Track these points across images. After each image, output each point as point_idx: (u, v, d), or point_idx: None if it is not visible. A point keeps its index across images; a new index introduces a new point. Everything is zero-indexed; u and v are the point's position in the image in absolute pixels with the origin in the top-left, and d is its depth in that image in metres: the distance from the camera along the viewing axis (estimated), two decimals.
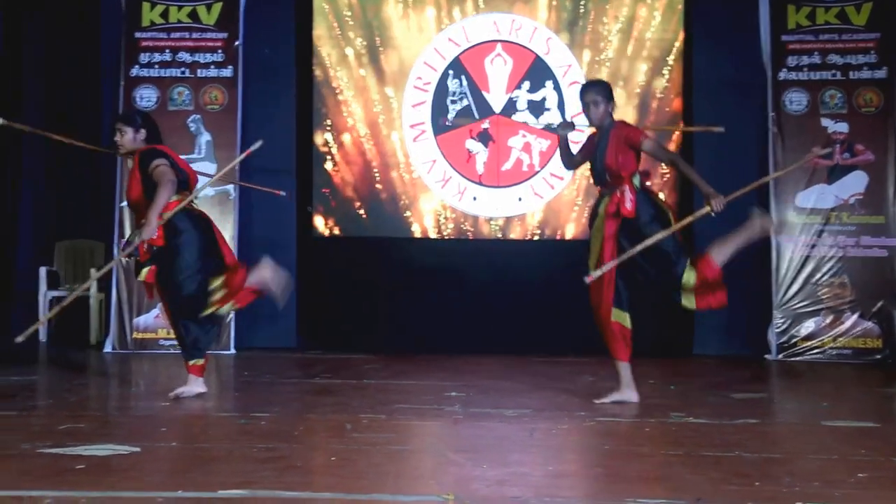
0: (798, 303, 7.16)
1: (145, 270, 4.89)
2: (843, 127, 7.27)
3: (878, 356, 7.11)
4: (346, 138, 7.84)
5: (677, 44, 7.80)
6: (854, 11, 7.41)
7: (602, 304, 5.06)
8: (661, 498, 3.32)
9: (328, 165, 7.81)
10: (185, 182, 5.05)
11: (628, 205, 4.89)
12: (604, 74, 7.78)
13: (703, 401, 5.38)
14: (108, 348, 7.16)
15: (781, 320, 7.19)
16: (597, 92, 5.01)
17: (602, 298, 5.05)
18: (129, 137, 5.02)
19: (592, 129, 5.11)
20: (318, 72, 7.84)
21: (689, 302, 4.96)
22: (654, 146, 5.00)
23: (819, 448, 4.14)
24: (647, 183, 5.29)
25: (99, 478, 3.46)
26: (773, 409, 5.54)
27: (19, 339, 4.92)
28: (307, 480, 3.53)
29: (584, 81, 5.34)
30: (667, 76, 7.80)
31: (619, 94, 7.74)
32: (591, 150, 5.05)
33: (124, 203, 7.24)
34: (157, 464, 3.73)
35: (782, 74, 7.45)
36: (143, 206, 4.88)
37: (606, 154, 4.94)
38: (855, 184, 7.25)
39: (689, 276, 4.89)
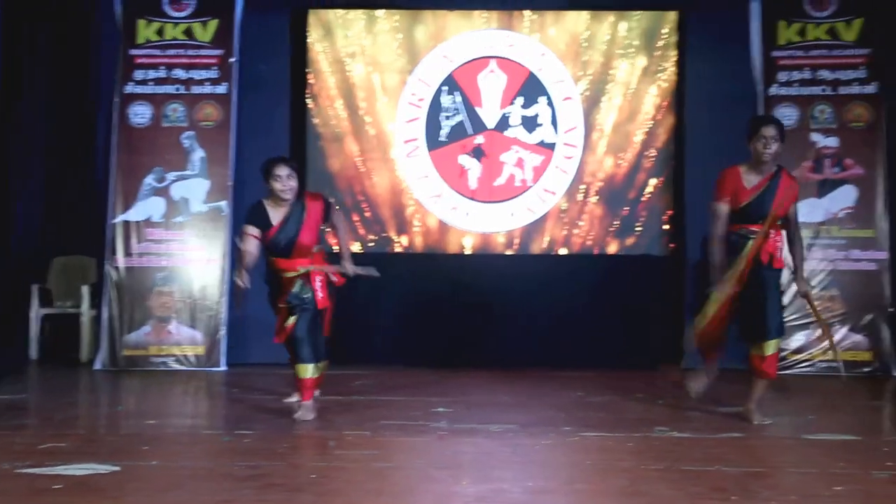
0: (788, 316, 7.12)
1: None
2: (832, 141, 7.27)
3: (868, 369, 7.10)
4: (338, 153, 7.86)
5: (670, 59, 7.82)
6: (844, 27, 7.43)
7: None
8: None
9: (320, 180, 7.83)
10: None
11: (780, 254, 4.99)
12: (596, 85, 7.80)
13: (688, 415, 5.37)
14: (98, 366, 7.15)
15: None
16: (779, 130, 4.94)
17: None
18: (295, 184, 5.06)
19: (742, 167, 5.01)
20: (312, 88, 7.88)
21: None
22: (796, 211, 5.06)
23: (799, 462, 4.15)
24: None
25: (75, 498, 3.47)
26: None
27: None
28: (286, 498, 3.54)
29: (769, 118, 5.35)
30: (660, 91, 7.82)
31: (611, 108, 7.82)
32: (754, 190, 4.94)
33: (117, 220, 7.30)
34: (136, 483, 3.73)
35: (773, 89, 7.47)
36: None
37: (776, 198, 4.91)
38: (845, 198, 7.25)
39: (770, 346, 4.98)
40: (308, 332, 5.05)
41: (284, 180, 4.97)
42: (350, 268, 5.16)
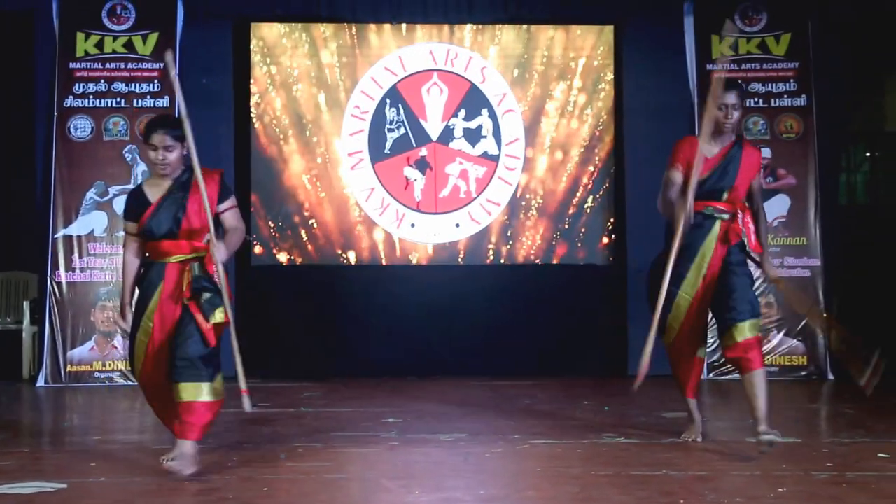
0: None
1: None
2: (766, 152, 7.42)
3: (804, 373, 7.31)
4: (284, 167, 7.80)
5: (608, 72, 7.92)
6: (774, 42, 7.62)
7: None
8: None
9: (266, 195, 7.76)
10: None
11: (753, 238, 4.58)
12: (537, 98, 7.87)
13: (635, 421, 5.43)
14: (41, 382, 6.98)
15: (712, 340, 7.25)
16: (741, 98, 4.50)
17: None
18: (177, 155, 4.16)
19: (697, 137, 4.53)
20: (255, 100, 7.81)
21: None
22: (760, 185, 4.69)
23: (743, 464, 4.21)
24: None
25: None
26: (703, 427, 5.61)
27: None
28: None
29: (731, 83, 4.50)
30: (599, 102, 7.91)
31: (552, 120, 7.89)
32: (715, 160, 4.46)
33: (59, 234, 7.15)
34: (84, 500, 3.65)
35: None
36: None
37: (739, 173, 4.48)
38: (778, 207, 7.42)
39: (742, 328, 4.40)
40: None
41: (160, 151, 4.10)
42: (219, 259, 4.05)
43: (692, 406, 4.82)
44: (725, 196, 4.49)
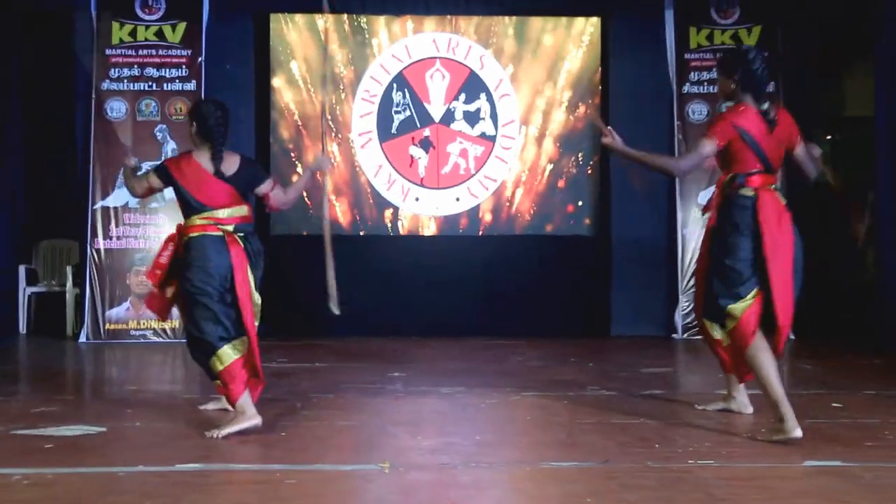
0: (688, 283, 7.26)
1: None
2: None
3: None
4: (300, 145, 7.78)
5: (595, 59, 7.88)
6: (746, 33, 7.57)
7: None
8: (573, 461, 3.39)
9: (284, 171, 7.75)
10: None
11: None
12: (531, 83, 7.83)
13: (616, 375, 5.46)
14: (83, 339, 7.03)
15: (686, 304, 7.30)
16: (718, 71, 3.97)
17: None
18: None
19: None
20: (274, 84, 7.77)
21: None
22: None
23: (711, 414, 4.23)
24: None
25: (66, 456, 3.42)
26: (676, 381, 5.65)
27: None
28: (260, 454, 3.54)
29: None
30: (587, 87, 7.87)
31: (544, 103, 7.86)
32: (764, 132, 3.76)
33: (97, 205, 7.15)
34: (121, 442, 3.69)
35: (686, 88, 7.58)
36: None
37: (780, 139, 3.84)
38: None
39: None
40: None
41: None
42: None
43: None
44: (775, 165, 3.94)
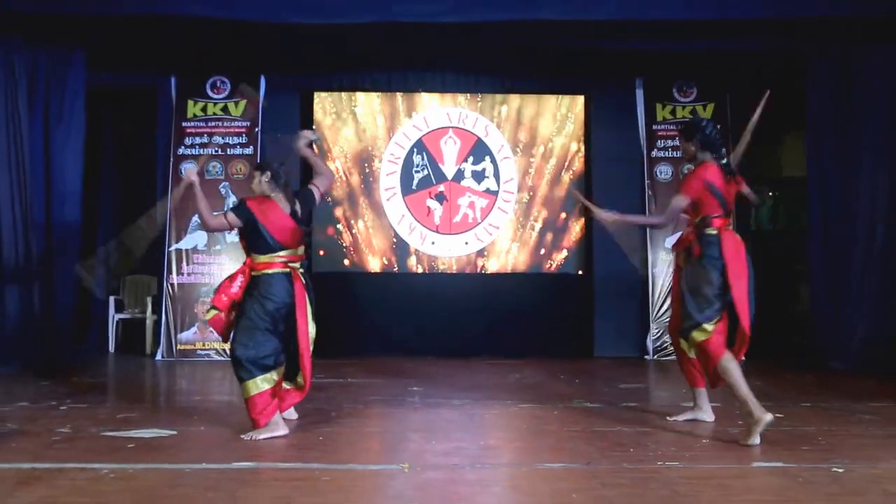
0: (666, 317, 7.23)
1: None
2: None
3: None
4: (340, 200, 7.86)
5: (581, 129, 7.94)
6: (702, 109, 7.64)
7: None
8: (562, 463, 3.37)
9: (325, 221, 7.81)
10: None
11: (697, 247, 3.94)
12: (527, 148, 7.89)
13: (598, 390, 5.43)
14: (158, 357, 7.05)
15: (656, 330, 7.28)
16: (681, 133, 4.10)
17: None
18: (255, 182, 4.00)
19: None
20: (317, 149, 7.86)
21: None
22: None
23: (679, 424, 4.19)
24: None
25: (144, 454, 3.43)
26: (648, 395, 5.60)
27: None
28: (301, 455, 3.53)
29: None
30: (573, 151, 7.92)
31: (538, 164, 7.90)
32: (723, 183, 3.93)
33: (172, 248, 7.23)
34: (188, 443, 3.70)
35: (654, 153, 7.63)
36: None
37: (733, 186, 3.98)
38: None
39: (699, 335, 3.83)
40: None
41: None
42: None
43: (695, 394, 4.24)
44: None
